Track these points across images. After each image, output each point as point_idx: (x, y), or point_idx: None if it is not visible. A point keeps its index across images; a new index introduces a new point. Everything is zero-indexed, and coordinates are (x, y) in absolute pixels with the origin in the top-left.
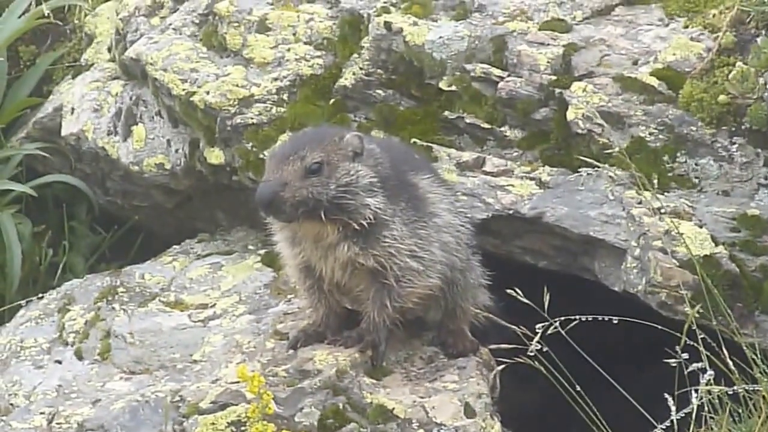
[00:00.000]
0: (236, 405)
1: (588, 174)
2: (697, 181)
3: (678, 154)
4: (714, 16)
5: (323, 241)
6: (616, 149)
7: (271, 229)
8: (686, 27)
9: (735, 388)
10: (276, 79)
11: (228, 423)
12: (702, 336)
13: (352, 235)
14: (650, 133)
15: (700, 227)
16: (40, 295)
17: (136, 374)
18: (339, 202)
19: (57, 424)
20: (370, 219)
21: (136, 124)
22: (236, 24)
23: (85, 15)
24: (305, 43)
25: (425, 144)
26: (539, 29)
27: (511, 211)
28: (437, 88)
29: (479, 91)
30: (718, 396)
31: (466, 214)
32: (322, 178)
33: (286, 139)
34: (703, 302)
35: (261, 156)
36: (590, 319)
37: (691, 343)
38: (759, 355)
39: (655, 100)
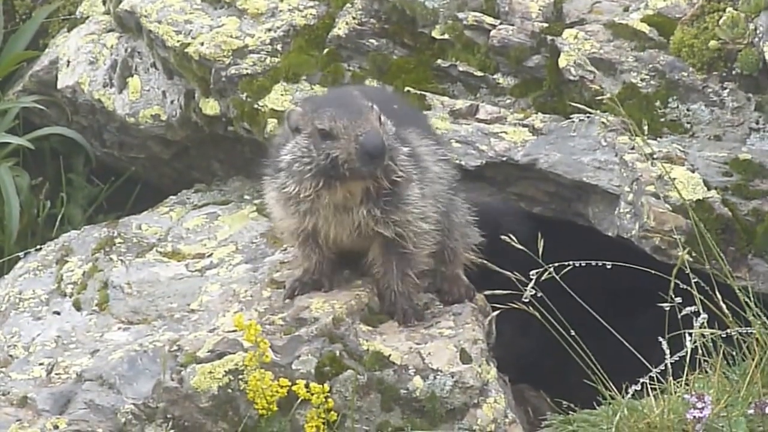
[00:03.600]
0: (233, 354)
1: (580, 120)
2: (689, 126)
3: (669, 100)
4: None
5: (346, 203)
6: (608, 95)
7: (264, 189)
8: None
9: (728, 331)
10: (270, 30)
11: (225, 371)
12: (695, 280)
13: (374, 197)
14: (642, 79)
15: (693, 172)
16: (39, 247)
17: (134, 324)
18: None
19: (56, 374)
20: (399, 177)
21: (132, 76)
22: None
23: None
24: None
25: (419, 92)
26: None
27: (504, 158)
28: (430, 36)
29: (472, 40)
30: (711, 339)
31: (448, 160)
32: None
33: (337, 93)
34: (696, 246)
35: (255, 106)
36: (584, 264)
37: (685, 286)
38: (752, 298)
39: (646, 47)
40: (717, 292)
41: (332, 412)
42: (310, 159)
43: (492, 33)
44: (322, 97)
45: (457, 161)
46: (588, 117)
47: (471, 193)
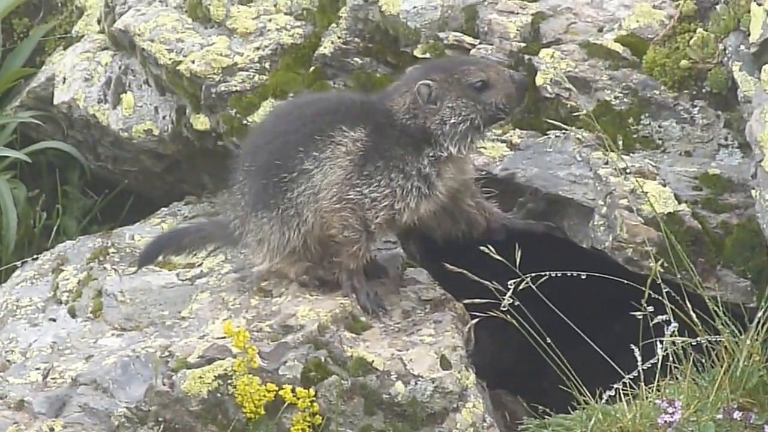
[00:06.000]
0: (223, 359)
1: (557, 136)
2: (660, 142)
3: (642, 117)
4: None
5: None
6: (583, 112)
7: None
8: None
9: (698, 339)
10: (258, 49)
11: (215, 376)
12: (666, 290)
13: None
14: (615, 97)
15: (664, 186)
16: (35, 257)
17: (126, 331)
18: None
19: (52, 378)
20: None
21: (125, 93)
22: None
23: None
24: (286, 14)
25: None
26: None
27: (483, 172)
28: (412, 55)
29: None
30: (682, 347)
31: None
32: None
33: (436, 61)
34: (667, 257)
35: (244, 122)
36: (560, 275)
37: (656, 296)
38: (721, 308)
39: (619, 66)
40: (687, 302)
41: (317, 416)
42: (475, 114)
43: (472, 52)
44: (431, 66)
45: None
46: (564, 133)
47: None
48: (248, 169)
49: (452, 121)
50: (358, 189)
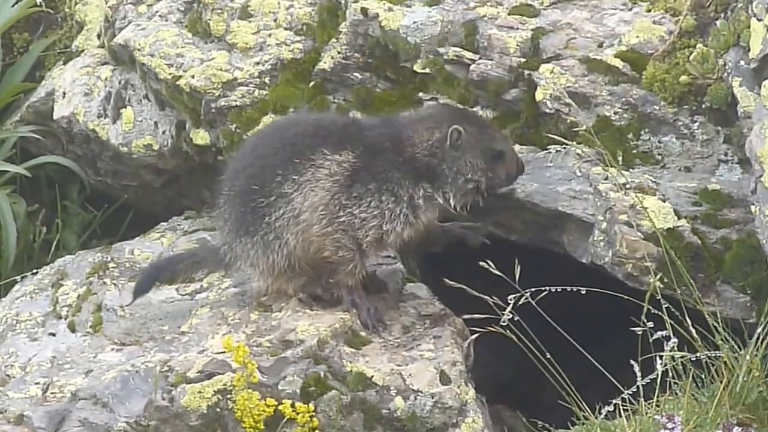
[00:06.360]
0: (222, 374)
1: (557, 151)
2: (660, 157)
3: (642, 132)
4: (675, 0)
5: None
6: (583, 128)
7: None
8: (649, 11)
9: (698, 354)
10: (258, 63)
11: (214, 391)
12: (666, 305)
13: None
14: (615, 112)
15: (664, 202)
16: (35, 271)
17: (126, 345)
18: None
19: (51, 393)
20: None
21: (125, 107)
22: (219, 11)
23: (76, 3)
24: (286, 29)
25: None
26: (508, 14)
27: None
28: (412, 70)
29: (452, 74)
30: (681, 362)
31: None
32: None
33: (465, 112)
34: (667, 273)
35: (244, 137)
36: (560, 290)
37: (656, 312)
38: (720, 323)
39: (619, 81)
40: (687, 317)
41: (317, 431)
42: (484, 178)
43: (471, 67)
44: (463, 113)
45: None
46: (564, 148)
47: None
48: (228, 194)
49: (466, 176)
50: (348, 210)
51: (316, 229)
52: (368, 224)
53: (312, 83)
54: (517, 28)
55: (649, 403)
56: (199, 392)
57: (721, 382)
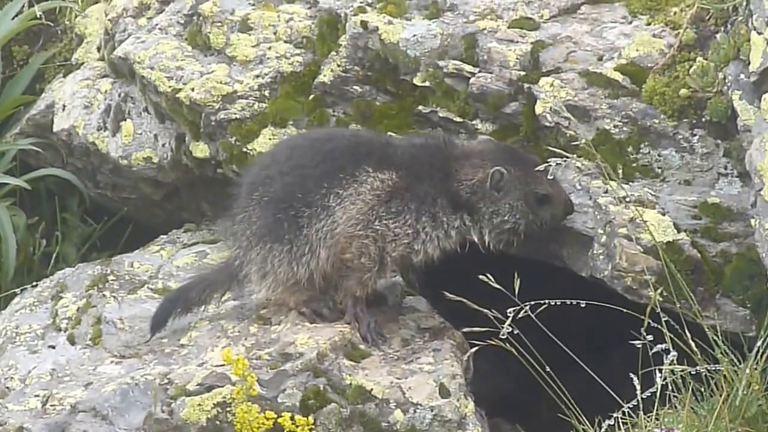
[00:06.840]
0: (222, 387)
1: (556, 165)
2: (660, 171)
3: (641, 146)
4: (675, 13)
5: None
6: (583, 141)
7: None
8: (649, 24)
9: (697, 368)
10: (258, 76)
11: (214, 404)
12: (665, 319)
13: None
14: (615, 126)
15: (663, 215)
16: (35, 284)
17: (126, 358)
18: None
19: (51, 406)
20: None
21: (125, 120)
22: (219, 24)
23: (76, 16)
24: (285, 42)
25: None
26: (508, 27)
27: None
28: (411, 83)
29: (452, 87)
30: (681, 376)
31: None
32: None
33: (513, 152)
34: (667, 286)
35: (244, 150)
36: (559, 303)
37: (655, 325)
38: (720, 337)
39: (619, 94)
40: (686, 331)
41: None
42: (525, 221)
43: (471, 80)
44: (511, 154)
45: None
46: (563, 162)
47: None
48: (259, 199)
49: (504, 218)
50: (384, 222)
51: (349, 229)
52: (400, 240)
53: (312, 96)
54: (517, 42)
55: (648, 417)
56: (199, 405)
57: (721, 396)
